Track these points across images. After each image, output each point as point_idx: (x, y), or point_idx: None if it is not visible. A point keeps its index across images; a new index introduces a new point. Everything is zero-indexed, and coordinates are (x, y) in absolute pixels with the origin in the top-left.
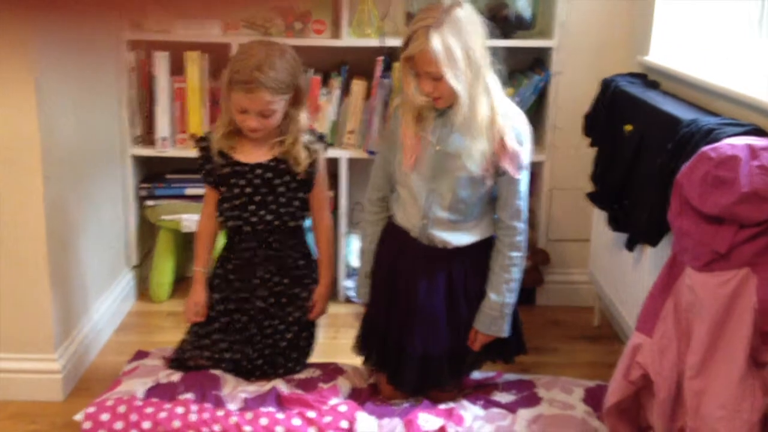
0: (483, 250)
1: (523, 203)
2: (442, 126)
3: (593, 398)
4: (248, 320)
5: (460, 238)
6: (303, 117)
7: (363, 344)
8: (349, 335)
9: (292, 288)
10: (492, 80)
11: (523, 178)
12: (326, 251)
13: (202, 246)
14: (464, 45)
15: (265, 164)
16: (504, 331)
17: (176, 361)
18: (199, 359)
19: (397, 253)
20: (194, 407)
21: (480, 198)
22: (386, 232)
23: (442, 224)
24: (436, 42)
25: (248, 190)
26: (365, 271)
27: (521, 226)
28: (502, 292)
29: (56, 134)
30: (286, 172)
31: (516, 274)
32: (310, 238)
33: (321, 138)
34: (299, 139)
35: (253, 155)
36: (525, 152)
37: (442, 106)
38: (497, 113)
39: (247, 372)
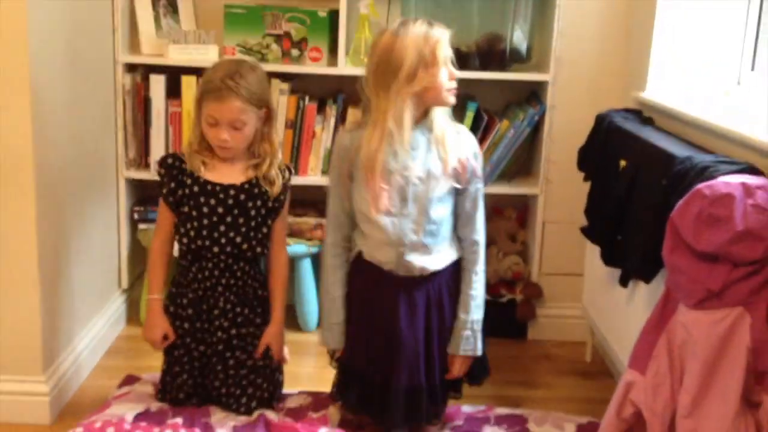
0: (457, 272)
1: (482, 216)
2: (402, 153)
3: None
4: (209, 352)
5: (436, 261)
6: (276, 140)
7: (343, 389)
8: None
9: (254, 319)
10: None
11: (482, 191)
12: (281, 287)
13: (157, 272)
14: None
15: (239, 186)
16: (478, 349)
17: (163, 397)
18: (177, 396)
19: (372, 290)
20: (183, 431)
21: (448, 216)
22: (355, 271)
23: (418, 249)
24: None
25: (220, 209)
26: (338, 320)
27: (482, 239)
28: (470, 310)
29: (50, 154)
30: (259, 197)
31: (480, 289)
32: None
33: (288, 168)
34: (275, 161)
35: (225, 175)
36: (480, 165)
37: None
38: (453, 131)
39: (214, 399)
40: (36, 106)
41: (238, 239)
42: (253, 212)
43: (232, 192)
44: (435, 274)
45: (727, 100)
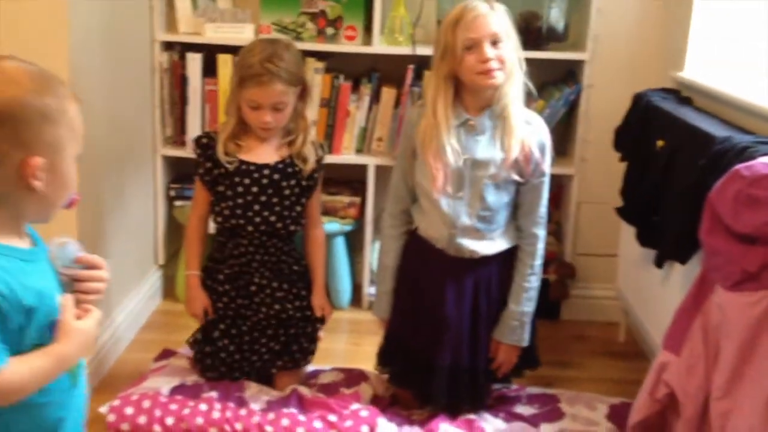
0: (509, 259)
1: (545, 210)
2: (466, 134)
3: (617, 415)
4: (251, 326)
5: (488, 247)
6: (309, 114)
7: (386, 359)
8: (372, 342)
9: (298, 294)
10: (521, 88)
11: (547, 185)
12: (320, 260)
13: (194, 249)
14: (513, 30)
15: (273, 165)
16: (524, 340)
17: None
18: (218, 370)
19: (422, 266)
20: (218, 405)
21: (505, 205)
22: (409, 245)
23: (470, 233)
24: (494, 9)
25: (254, 189)
26: (386, 288)
27: (542, 233)
28: (521, 301)
29: (88, 132)
30: (293, 176)
31: (535, 282)
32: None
33: (321, 146)
34: (308, 137)
35: (260, 155)
36: (547, 160)
37: (496, 81)
38: (522, 120)
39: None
40: (75, 85)
41: (273, 218)
42: (287, 191)
43: (266, 172)
44: (486, 259)
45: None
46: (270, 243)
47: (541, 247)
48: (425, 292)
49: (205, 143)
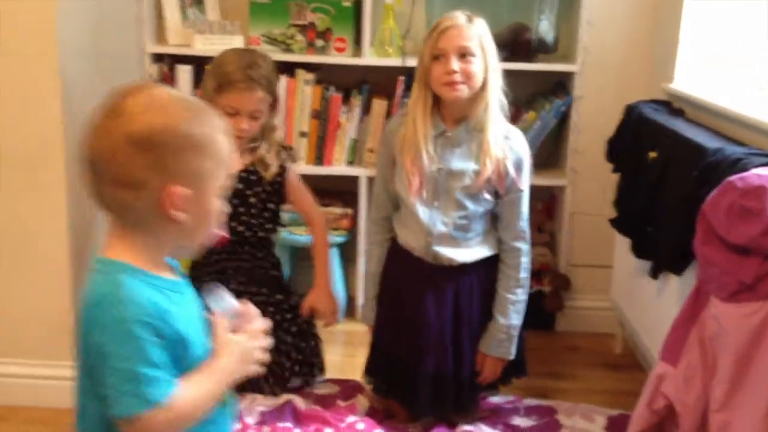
0: (492, 268)
1: (525, 224)
2: (442, 145)
3: (615, 427)
4: None
5: (466, 255)
6: (277, 124)
7: (373, 369)
8: (366, 354)
9: (272, 296)
10: (499, 101)
11: (524, 200)
12: (322, 254)
13: None
14: (489, 46)
15: (236, 174)
16: (510, 353)
17: None
18: None
19: (403, 274)
20: None
21: (482, 214)
22: (390, 254)
23: (446, 241)
24: (471, 22)
25: None
26: (372, 295)
27: (525, 247)
28: (508, 314)
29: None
30: (257, 183)
31: (522, 295)
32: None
33: (290, 149)
34: (273, 146)
35: None
36: (525, 174)
37: (460, 95)
38: (501, 135)
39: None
40: (66, 98)
41: (240, 228)
42: (252, 199)
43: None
44: (466, 267)
45: (759, 93)
46: (242, 250)
47: (525, 260)
48: (406, 300)
49: None
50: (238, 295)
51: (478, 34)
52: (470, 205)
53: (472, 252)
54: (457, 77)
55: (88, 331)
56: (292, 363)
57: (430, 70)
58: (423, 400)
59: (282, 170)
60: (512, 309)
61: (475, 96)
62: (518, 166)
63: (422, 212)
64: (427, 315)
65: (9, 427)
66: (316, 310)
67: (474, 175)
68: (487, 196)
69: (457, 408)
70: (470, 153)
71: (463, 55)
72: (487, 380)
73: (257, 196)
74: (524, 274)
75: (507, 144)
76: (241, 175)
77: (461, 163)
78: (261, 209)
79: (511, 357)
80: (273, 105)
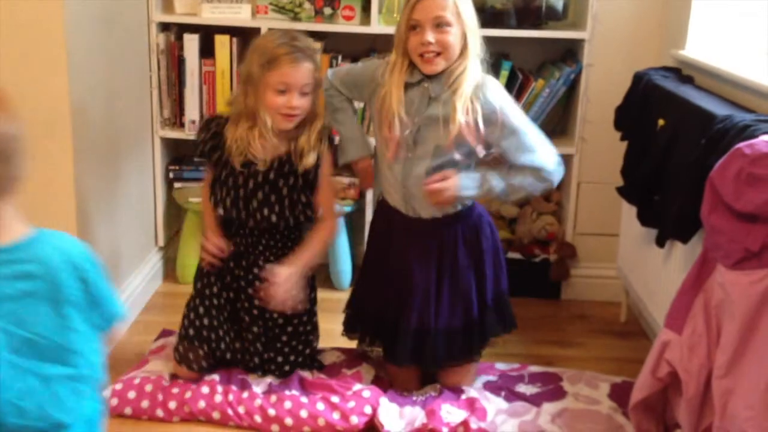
0: (477, 223)
1: (539, 154)
2: (420, 96)
3: (619, 394)
4: (248, 316)
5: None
6: (321, 106)
7: (351, 326)
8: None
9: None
10: (477, 63)
11: (525, 135)
12: (315, 239)
13: (211, 217)
14: (466, 11)
15: (270, 162)
16: (460, 189)
17: (178, 355)
18: (198, 351)
19: (387, 231)
20: (220, 388)
21: (458, 164)
22: (376, 211)
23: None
24: None
25: (250, 185)
26: (353, 134)
27: (550, 168)
28: (496, 172)
29: (87, 114)
30: (291, 174)
31: (521, 182)
32: None
33: (331, 138)
34: (314, 134)
35: (260, 149)
36: (510, 116)
37: (436, 68)
38: (474, 92)
39: (253, 366)
40: (73, 67)
41: (273, 217)
42: (285, 190)
43: (262, 168)
44: (449, 220)
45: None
46: (269, 236)
47: (549, 175)
48: (390, 257)
49: (215, 118)
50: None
51: (453, 2)
52: (450, 157)
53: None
54: (432, 48)
55: None
56: (285, 360)
57: (407, 39)
58: (403, 352)
59: (318, 161)
60: (501, 176)
61: (452, 63)
62: (493, 116)
63: (397, 167)
64: (411, 273)
65: None
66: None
67: (443, 129)
68: (458, 156)
69: (433, 360)
70: (444, 108)
71: (439, 24)
72: (430, 188)
73: (288, 186)
74: (550, 175)
75: (479, 95)
76: (273, 165)
77: (435, 110)
78: (295, 200)
79: (460, 193)
80: (317, 84)
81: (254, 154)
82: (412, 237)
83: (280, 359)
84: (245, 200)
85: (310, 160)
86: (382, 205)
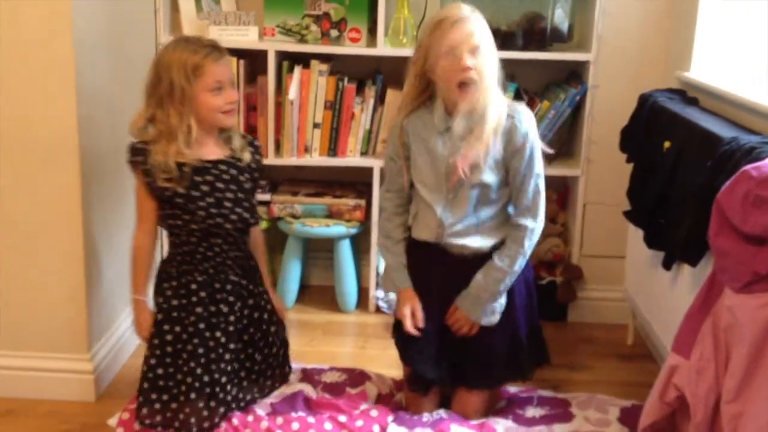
0: None
1: (532, 202)
2: (451, 139)
3: (629, 418)
4: (226, 338)
5: (478, 242)
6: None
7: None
8: (377, 346)
9: (256, 289)
10: (499, 90)
11: (531, 178)
12: (265, 256)
13: (143, 269)
14: (490, 37)
15: (226, 160)
16: (479, 318)
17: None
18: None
19: (425, 267)
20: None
21: (495, 201)
22: (409, 251)
23: (457, 229)
24: (474, 14)
25: (219, 185)
26: (399, 262)
27: (531, 225)
28: (488, 276)
29: (94, 136)
30: (246, 170)
31: (509, 268)
32: None
33: (245, 136)
34: (237, 133)
35: (208, 153)
36: (532, 152)
37: (471, 97)
38: (501, 119)
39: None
40: (81, 90)
41: (246, 214)
42: (247, 185)
43: (222, 167)
44: (476, 257)
45: None
46: (240, 239)
47: (528, 241)
48: (431, 289)
49: (141, 149)
50: (235, 286)
51: (481, 27)
52: (479, 194)
53: (482, 240)
54: (473, 74)
55: None
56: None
57: (437, 65)
58: (424, 360)
59: (255, 159)
60: (494, 275)
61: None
62: (523, 141)
63: (433, 202)
64: (430, 284)
65: (29, 420)
66: (279, 312)
67: (480, 161)
68: (497, 183)
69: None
70: (477, 138)
71: (473, 50)
72: (456, 329)
73: (247, 182)
74: (522, 252)
75: (510, 122)
76: (230, 161)
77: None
78: (250, 196)
79: (479, 322)
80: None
81: (202, 157)
82: (447, 270)
83: (278, 369)
84: (218, 203)
85: (246, 156)
86: (413, 245)
